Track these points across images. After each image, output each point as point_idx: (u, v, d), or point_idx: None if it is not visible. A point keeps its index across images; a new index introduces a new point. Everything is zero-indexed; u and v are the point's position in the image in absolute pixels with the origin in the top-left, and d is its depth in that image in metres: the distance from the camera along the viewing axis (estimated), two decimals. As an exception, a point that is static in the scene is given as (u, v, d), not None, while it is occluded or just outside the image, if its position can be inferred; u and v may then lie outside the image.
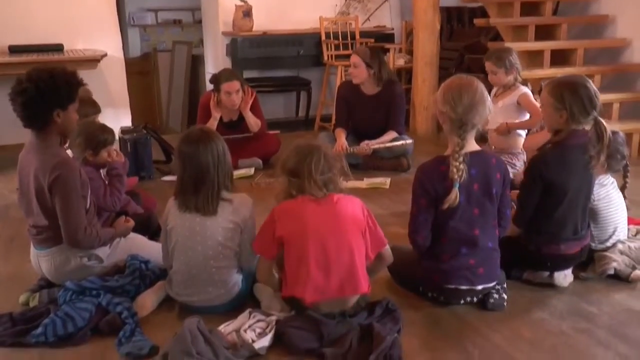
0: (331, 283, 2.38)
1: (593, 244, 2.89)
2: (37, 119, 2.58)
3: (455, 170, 2.42)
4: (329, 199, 2.42)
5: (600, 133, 2.64)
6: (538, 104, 3.97)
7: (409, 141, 4.73)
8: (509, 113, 3.99)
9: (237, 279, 2.58)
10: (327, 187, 2.43)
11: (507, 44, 5.39)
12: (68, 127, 2.68)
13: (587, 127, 2.67)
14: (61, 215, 2.59)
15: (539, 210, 2.69)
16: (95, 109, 3.79)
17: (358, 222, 2.43)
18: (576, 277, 2.81)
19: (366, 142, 4.65)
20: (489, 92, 2.79)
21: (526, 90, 4.03)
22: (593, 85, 2.69)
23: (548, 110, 2.71)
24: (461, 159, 2.43)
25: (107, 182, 3.13)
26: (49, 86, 2.54)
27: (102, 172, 3.17)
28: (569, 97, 2.63)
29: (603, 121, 2.68)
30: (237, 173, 3.91)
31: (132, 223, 2.93)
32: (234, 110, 4.77)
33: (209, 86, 4.82)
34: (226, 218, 2.50)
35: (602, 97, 3.82)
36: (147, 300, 2.61)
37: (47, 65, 2.69)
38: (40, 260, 2.74)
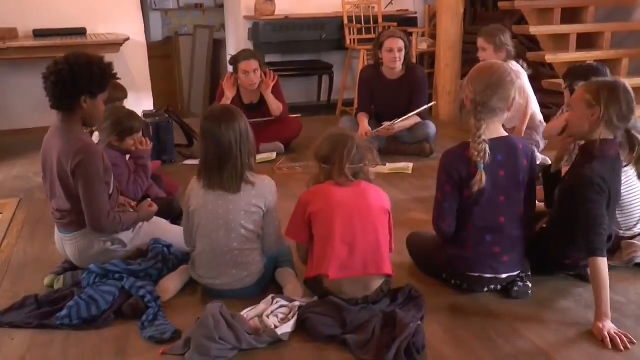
0: (355, 260, 2.38)
1: (620, 232, 2.85)
2: (64, 100, 2.59)
3: (476, 153, 2.39)
4: (356, 184, 2.44)
5: (632, 145, 2.46)
6: (528, 97, 3.94)
7: (429, 105, 4.75)
8: None
9: (260, 262, 2.58)
10: (357, 177, 2.45)
11: (532, 28, 5.31)
12: (93, 116, 2.70)
13: (614, 136, 2.48)
14: (84, 200, 2.61)
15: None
16: (123, 93, 3.82)
17: (384, 209, 2.45)
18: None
19: (387, 123, 4.62)
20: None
21: (519, 71, 3.95)
22: (632, 94, 2.48)
23: (580, 109, 2.49)
24: (480, 139, 2.39)
25: (132, 169, 3.14)
26: (83, 71, 2.56)
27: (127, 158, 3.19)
28: (607, 95, 2.42)
29: (637, 134, 2.47)
30: (259, 157, 3.90)
31: (155, 207, 2.94)
32: (254, 91, 4.76)
33: (231, 69, 4.82)
34: (249, 202, 2.50)
35: (630, 82, 3.68)
36: (170, 284, 2.62)
37: (86, 52, 2.70)
38: (65, 244, 2.76)
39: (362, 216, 2.40)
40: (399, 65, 4.66)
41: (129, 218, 2.78)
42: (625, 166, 2.53)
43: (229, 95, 4.69)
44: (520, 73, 3.99)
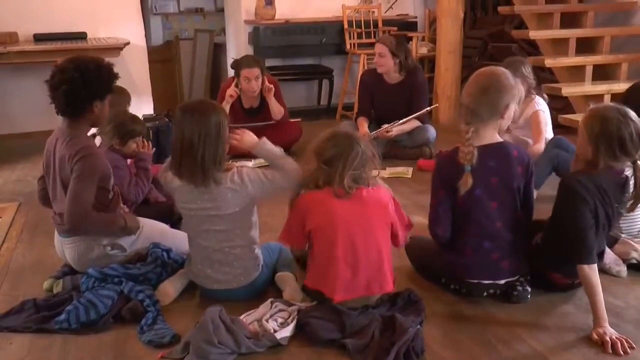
0: (359, 281, 2.36)
1: (622, 236, 2.84)
2: (76, 107, 2.59)
3: (462, 155, 2.39)
4: (357, 194, 2.37)
5: (636, 180, 2.35)
6: (545, 125, 3.77)
7: (429, 108, 4.75)
8: (520, 127, 3.83)
9: (252, 258, 2.56)
10: (357, 182, 2.38)
11: (532, 32, 5.32)
12: (102, 118, 2.72)
13: (625, 169, 2.39)
14: (69, 193, 2.56)
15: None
16: (127, 98, 3.84)
17: (386, 216, 2.41)
18: (600, 269, 2.74)
19: (386, 125, 4.63)
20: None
21: (541, 108, 3.81)
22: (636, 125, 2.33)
23: (580, 139, 2.44)
24: (468, 142, 2.39)
25: (133, 172, 3.15)
26: (95, 77, 2.57)
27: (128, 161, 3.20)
28: (597, 132, 2.33)
29: None
30: (257, 162, 3.90)
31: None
32: (254, 96, 4.77)
33: (231, 73, 4.83)
34: (224, 204, 2.46)
35: (629, 86, 3.58)
36: (170, 288, 2.62)
37: (89, 56, 2.69)
38: (64, 248, 2.76)
39: (364, 233, 2.35)
40: (382, 70, 4.70)
41: (114, 224, 2.71)
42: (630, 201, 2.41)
43: (229, 99, 4.70)
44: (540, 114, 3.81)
